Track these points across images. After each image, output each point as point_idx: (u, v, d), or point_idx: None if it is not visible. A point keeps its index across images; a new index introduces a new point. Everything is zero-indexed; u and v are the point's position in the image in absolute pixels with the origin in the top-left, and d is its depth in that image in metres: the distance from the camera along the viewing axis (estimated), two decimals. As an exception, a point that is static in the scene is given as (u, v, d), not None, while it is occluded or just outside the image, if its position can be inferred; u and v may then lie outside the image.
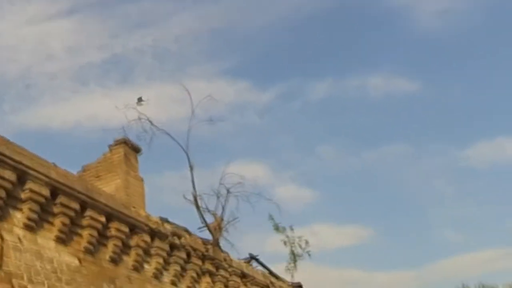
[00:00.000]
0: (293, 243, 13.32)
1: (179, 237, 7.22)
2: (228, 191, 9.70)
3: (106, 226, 5.56)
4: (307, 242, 13.33)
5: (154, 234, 6.49)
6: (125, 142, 8.36)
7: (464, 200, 39.91)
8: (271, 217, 12.76)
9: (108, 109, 19.24)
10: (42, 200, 4.46)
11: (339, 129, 39.38)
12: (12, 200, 4.21)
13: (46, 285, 4.17)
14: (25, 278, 3.88)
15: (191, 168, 9.42)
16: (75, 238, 5.11)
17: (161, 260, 6.72)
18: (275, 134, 40.54)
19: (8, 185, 4.01)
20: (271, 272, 11.01)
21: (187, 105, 10.04)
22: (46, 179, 4.48)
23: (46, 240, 4.61)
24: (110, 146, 8.39)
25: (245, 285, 9.04)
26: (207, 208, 9.49)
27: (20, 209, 4.32)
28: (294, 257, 13.06)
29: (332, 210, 39.10)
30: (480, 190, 37.80)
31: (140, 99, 9.56)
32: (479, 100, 39.12)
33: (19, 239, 4.14)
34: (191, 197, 9.20)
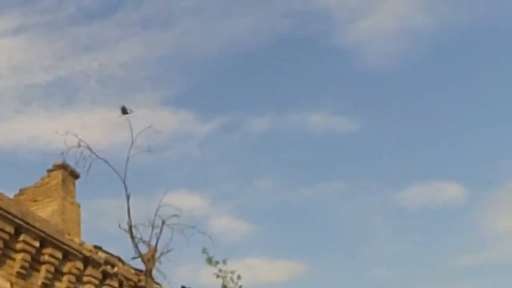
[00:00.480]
0: (225, 277, 13.51)
1: (112, 265, 7.24)
2: (163, 222, 9.85)
3: (39, 251, 5.52)
4: (239, 277, 13.65)
5: (87, 261, 6.49)
6: (63, 167, 8.21)
7: (397, 239, 42.43)
8: (204, 250, 12.96)
9: (50, 132, 18.62)
10: (-24, 222, 4.41)
11: (278, 164, 40.47)
12: None
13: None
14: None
15: (128, 197, 9.44)
16: (8, 261, 5.03)
17: (93, 288, 6.65)
18: (214, 165, 41.48)
19: None
20: (203, 304, 11.05)
21: (129, 132, 10.19)
22: (-19, 202, 4.47)
23: (-22, 262, 4.52)
24: (48, 170, 8.24)
25: (177, 315, 9.07)
26: (141, 238, 9.43)
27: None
28: (225, 290, 13.19)
29: (267, 244, 39.74)
30: (413, 231, 40.23)
31: (124, 110, 9.42)
32: (418, 143, 42.08)
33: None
34: (126, 226, 9.20)
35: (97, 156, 9.20)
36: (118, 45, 42.55)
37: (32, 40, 39.17)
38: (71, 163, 8.70)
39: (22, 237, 5.17)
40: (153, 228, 9.72)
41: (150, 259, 9.05)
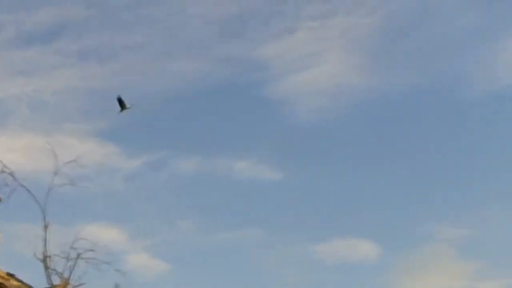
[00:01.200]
0: (137, 314, 13.24)
1: (23, 295, 7.19)
2: (78, 256, 9.83)
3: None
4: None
5: (-2, 289, 6.44)
6: (-17, 191, 8.10)
7: (311, 291, 44.87)
8: (116, 286, 12.83)
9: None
10: None
11: (201, 207, 41.30)
12: None
13: None
14: None
15: (45, 227, 9.49)
16: None
17: (2, 316, 6.53)
18: (138, 202, 41.42)
19: None
20: None
21: (55, 160, 10.34)
22: None
23: None
24: (-32, 194, 7.96)
25: None
26: (55, 270, 9.35)
27: None
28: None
29: (182, 285, 39.86)
30: (328, 284, 40.09)
31: (121, 103, 9.24)
32: (339, 198, 43.08)
33: None
34: (41, 256, 9.10)
35: (20, 184, 9.24)
36: (54, 73, 42.33)
37: (-33, 61, 38.99)
38: (-7, 188, 8.65)
39: None
40: (67, 260, 9.68)
41: (61, 291, 8.98)
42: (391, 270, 41.34)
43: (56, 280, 9.13)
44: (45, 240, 9.13)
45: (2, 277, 6.76)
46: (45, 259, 9.05)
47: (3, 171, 8.94)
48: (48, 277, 9.02)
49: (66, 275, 9.31)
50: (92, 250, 9.63)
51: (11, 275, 7.18)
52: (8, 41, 41.43)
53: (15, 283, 7.17)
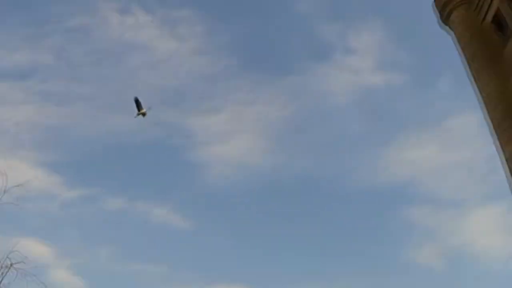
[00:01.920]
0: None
1: None
2: (11, 265, 9.57)
3: None
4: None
5: None
6: None
7: None
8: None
9: None
10: None
11: (120, 239, 51.03)
12: None
13: None
14: None
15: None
16: None
17: None
18: (69, 226, 51.28)
19: None
20: None
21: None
22: None
23: None
24: None
25: None
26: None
27: None
28: None
29: None
30: None
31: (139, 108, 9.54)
32: (230, 250, 50.19)
33: None
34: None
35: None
36: (18, 106, 51.97)
37: None
38: None
39: None
40: (1, 268, 9.37)
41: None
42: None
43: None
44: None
45: None
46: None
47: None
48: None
49: (-3, 282, 9.16)
50: (23, 262, 9.64)
51: None
52: (-15, 75, 55.57)
53: None
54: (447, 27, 17.25)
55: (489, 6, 14.57)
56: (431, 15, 18.40)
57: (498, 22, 14.63)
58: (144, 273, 46.61)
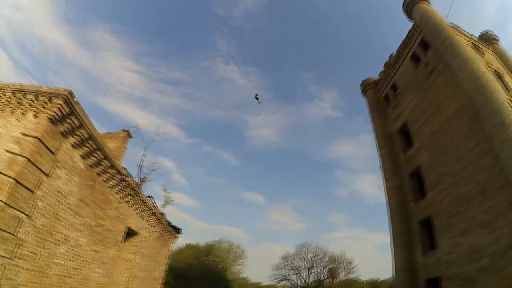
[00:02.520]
0: None
1: None
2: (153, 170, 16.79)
3: None
4: None
5: None
6: None
7: None
8: None
9: None
10: None
11: (204, 165, 54.49)
12: None
13: None
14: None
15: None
16: None
17: None
18: (185, 155, 53.85)
19: None
20: None
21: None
22: None
23: None
24: None
25: None
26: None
27: None
28: None
29: None
30: None
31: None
32: None
33: None
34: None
35: None
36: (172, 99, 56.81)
37: None
38: None
39: None
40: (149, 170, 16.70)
41: None
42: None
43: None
44: None
45: None
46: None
47: None
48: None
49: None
50: (159, 169, 20.41)
51: None
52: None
53: None
54: (365, 97, 31.09)
55: (384, 89, 27.03)
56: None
57: (387, 97, 26.68)
58: (215, 182, 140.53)
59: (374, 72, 46.05)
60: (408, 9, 24.20)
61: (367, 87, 32.03)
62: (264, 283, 67.92)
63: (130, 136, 16.86)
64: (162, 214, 18.03)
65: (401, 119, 25.69)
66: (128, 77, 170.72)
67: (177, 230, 20.76)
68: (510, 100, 17.22)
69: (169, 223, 19.10)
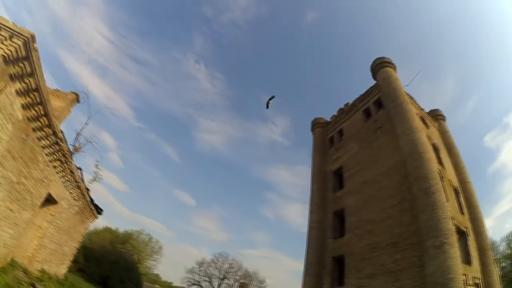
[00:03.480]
0: None
1: None
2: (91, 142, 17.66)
3: None
4: None
5: None
6: None
7: None
8: None
9: None
10: None
11: (142, 151, 53.54)
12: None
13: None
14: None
15: None
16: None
17: None
18: (127, 135, 49.37)
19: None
20: None
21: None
22: None
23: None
24: None
25: None
26: None
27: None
28: None
29: None
30: None
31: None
32: None
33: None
34: None
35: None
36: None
37: None
38: None
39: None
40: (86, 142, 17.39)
41: None
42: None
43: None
44: None
45: None
46: None
47: None
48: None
49: None
50: (96, 142, 18.17)
51: None
52: None
53: None
54: (313, 133, 33.51)
55: (331, 132, 28.94)
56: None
57: (332, 139, 28.47)
58: (148, 171, 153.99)
59: (328, 113, 49.09)
60: (375, 70, 26.50)
61: (317, 125, 33.98)
62: (175, 284, 67.41)
63: (78, 101, 15.61)
64: (87, 189, 16.64)
65: (339, 162, 27.55)
66: (98, 40, 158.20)
67: (98, 210, 19.25)
68: (439, 171, 19.62)
69: (92, 201, 17.65)
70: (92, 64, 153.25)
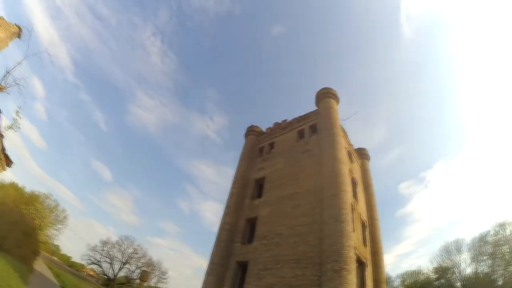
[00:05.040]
0: None
1: None
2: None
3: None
4: None
5: None
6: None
7: None
8: None
9: None
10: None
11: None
12: None
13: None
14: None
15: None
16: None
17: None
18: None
19: None
20: None
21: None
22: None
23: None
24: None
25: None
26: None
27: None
28: None
29: None
30: None
31: None
32: None
33: None
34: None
35: None
36: None
37: None
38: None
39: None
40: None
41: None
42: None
43: None
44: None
45: None
46: None
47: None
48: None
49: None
50: (23, 85, 13.65)
51: None
52: None
53: None
54: (245, 139, 34.26)
55: (263, 142, 29.85)
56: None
57: (262, 149, 28.93)
58: (72, 133, 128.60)
59: (265, 124, 50.11)
60: (320, 97, 27.99)
61: (251, 132, 34.36)
62: (74, 260, 64.14)
63: (19, 36, 13.71)
64: (1, 135, 14.44)
65: (263, 172, 28.12)
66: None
67: (8, 161, 15.84)
68: (352, 203, 21.36)
69: (3, 150, 14.74)
70: (48, 2, 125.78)
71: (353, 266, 15.79)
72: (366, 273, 20.39)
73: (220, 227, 25.21)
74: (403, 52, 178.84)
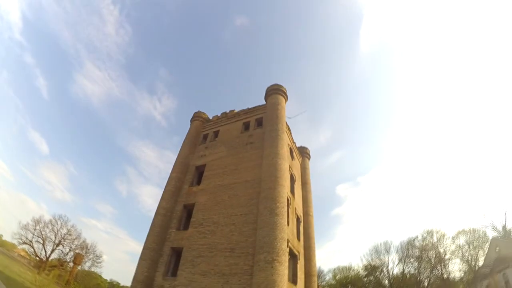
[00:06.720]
0: None
1: None
2: None
3: None
4: None
5: None
6: None
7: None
8: None
9: None
10: None
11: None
12: None
13: None
14: None
15: None
16: None
17: None
18: None
19: None
20: None
21: None
22: None
23: None
24: None
25: None
26: None
27: None
28: None
29: None
30: None
31: None
32: None
33: None
34: None
35: None
36: None
37: None
38: None
39: None
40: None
41: None
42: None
43: None
44: None
45: None
46: None
47: None
48: None
49: None
50: None
51: None
52: None
53: None
54: (190, 124, 34.03)
55: (208, 129, 30.86)
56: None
57: (206, 137, 28.71)
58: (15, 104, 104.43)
59: (213, 111, 49.28)
60: (269, 93, 28.26)
61: (197, 118, 33.55)
62: (5, 238, 58.97)
63: None
64: None
65: (204, 160, 27.81)
66: None
67: None
68: (289, 198, 22.31)
69: None
70: None
71: (285, 258, 16.66)
72: (298, 265, 21.68)
73: (156, 212, 24.37)
74: (358, 64, 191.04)
